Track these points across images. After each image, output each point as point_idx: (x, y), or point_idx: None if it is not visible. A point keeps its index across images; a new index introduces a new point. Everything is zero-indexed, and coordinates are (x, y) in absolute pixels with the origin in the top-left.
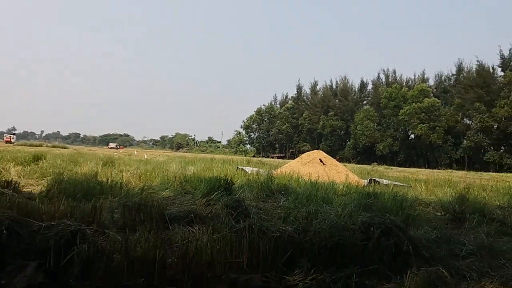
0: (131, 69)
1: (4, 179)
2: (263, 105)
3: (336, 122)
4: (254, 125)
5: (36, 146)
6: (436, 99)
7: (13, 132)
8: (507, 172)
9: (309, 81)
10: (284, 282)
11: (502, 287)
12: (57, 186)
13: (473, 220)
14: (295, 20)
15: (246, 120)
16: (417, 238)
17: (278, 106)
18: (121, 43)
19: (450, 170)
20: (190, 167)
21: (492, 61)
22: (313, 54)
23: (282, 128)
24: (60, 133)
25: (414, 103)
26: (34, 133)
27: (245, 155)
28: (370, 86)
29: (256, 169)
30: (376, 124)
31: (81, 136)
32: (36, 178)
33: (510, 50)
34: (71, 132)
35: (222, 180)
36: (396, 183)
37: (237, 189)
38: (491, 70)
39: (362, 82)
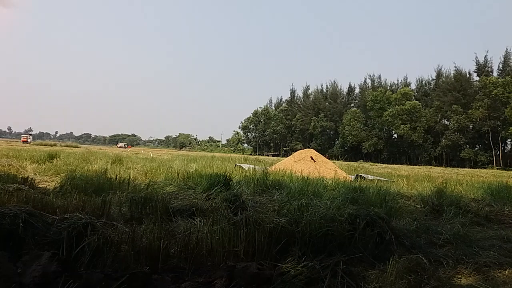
0: (138, 74)
1: (21, 176)
2: (260, 107)
3: (326, 123)
4: (251, 125)
5: (51, 145)
6: (417, 101)
7: (30, 132)
8: (481, 168)
9: (302, 85)
10: (278, 269)
11: (476, 273)
12: (69, 182)
13: (450, 212)
14: (289, 28)
15: (243, 121)
16: (399, 229)
17: (273, 108)
18: (130, 49)
19: (429, 167)
20: (192, 165)
21: (469, 67)
22: (305, 60)
23: (277, 128)
24: (73, 133)
25: (397, 106)
26: (49, 134)
27: (243, 154)
28: (357, 90)
29: (253, 166)
30: (362, 125)
31: (92, 136)
32: (51, 175)
33: (485, 57)
34: (83, 133)
35: (221, 176)
36: (380, 178)
37: (235, 184)
38: (468, 75)
39: (350, 86)
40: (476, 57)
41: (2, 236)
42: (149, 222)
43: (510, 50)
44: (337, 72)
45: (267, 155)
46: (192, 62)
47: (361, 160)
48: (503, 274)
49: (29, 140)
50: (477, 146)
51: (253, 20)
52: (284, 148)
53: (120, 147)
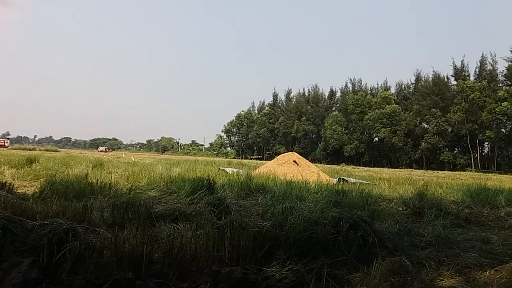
0: (119, 77)
1: None
2: (243, 111)
3: (308, 127)
4: (234, 129)
5: (30, 149)
6: (397, 105)
7: (7, 136)
8: (460, 171)
9: (284, 89)
10: (263, 273)
11: (458, 274)
12: (49, 187)
13: (431, 214)
14: (270, 32)
15: (227, 125)
16: (382, 231)
17: (256, 112)
18: (110, 51)
19: (410, 170)
20: (175, 169)
21: (447, 71)
22: (287, 64)
23: (260, 132)
24: (53, 137)
25: (377, 109)
26: (28, 138)
27: (226, 157)
28: (338, 94)
29: (236, 169)
30: (344, 128)
31: (72, 140)
32: (30, 180)
33: (462, 61)
34: (62, 137)
35: (205, 180)
36: (362, 181)
37: (219, 188)
38: (446, 79)
39: (331, 90)
40: (453, 62)
41: None
42: (131, 227)
43: (486, 55)
44: (319, 75)
45: (251, 159)
46: (174, 65)
47: (343, 163)
48: (484, 275)
49: (6, 144)
50: (456, 149)
51: (234, 24)
52: (268, 152)
53: (101, 151)
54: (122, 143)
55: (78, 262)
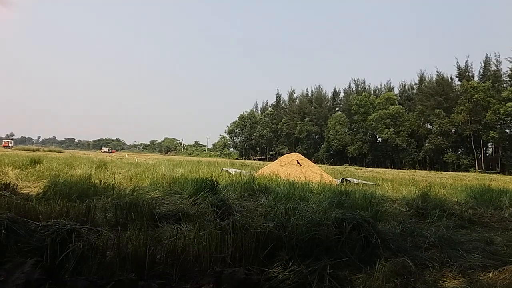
0: (122, 77)
1: (2, 181)
2: (246, 112)
3: (312, 127)
4: (237, 130)
5: (33, 150)
6: (400, 106)
7: (11, 137)
8: (463, 171)
9: (287, 90)
10: (266, 274)
11: (461, 275)
12: (53, 188)
13: (434, 215)
14: (274, 33)
15: (230, 126)
16: (385, 232)
17: (259, 112)
18: (112, 51)
19: (413, 170)
20: (178, 169)
21: (450, 71)
22: (290, 65)
23: (263, 132)
24: (56, 138)
25: (381, 110)
26: (31, 138)
27: (229, 158)
28: (342, 94)
29: (239, 170)
30: (347, 129)
31: (76, 140)
32: (34, 181)
33: (466, 62)
34: (66, 137)
35: (207, 181)
36: (366, 182)
37: (221, 189)
38: (449, 80)
39: (334, 90)
40: (457, 62)
41: None
42: (134, 228)
43: (490, 55)
44: (322, 76)
45: (254, 159)
46: (176, 66)
47: (346, 164)
48: (487, 276)
49: (10, 145)
50: (460, 149)
51: (235, 24)
52: (271, 152)
53: (104, 151)
54: (126, 144)
55: (81, 262)
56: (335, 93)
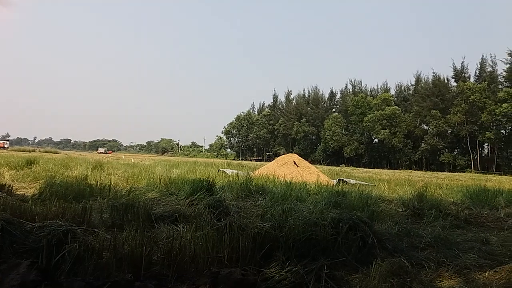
0: (118, 78)
1: None
2: (242, 112)
3: (308, 128)
4: (234, 130)
5: (29, 151)
6: (396, 107)
7: (7, 138)
8: (459, 172)
9: (284, 90)
10: (262, 274)
11: (457, 275)
12: (49, 188)
13: (430, 215)
14: (271, 33)
15: (226, 126)
16: (381, 232)
17: (256, 113)
18: (110, 51)
19: (409, 171)
20: (174, 170)
21: (446, 72)
22: (287, 65)
23: (260, 133)
24: (52, 139)
25: (377, 111)
26: (27, 139)
27: (226, 159)
28: (338, 95)
29: (236, 171)
30: (343, 130)
31: (72, 141)
32: (29, 182)
33: (462, 63)
34: (62, 138)
35: (204, 182)
36: (362, 182)
37: (218, 189)
38: (446, 81)
39: (331, 91)
40: (453, 63)
41: None
42: (131, 228)
43: (486, 56)
44: (319, 77)
45: (250, 160)
46: (174, 66)
47: (343, 165)
48: (483, 276)
49: (6, 146)
50: (456, 150)
51: (234, 24)
52: (267, 153)
53: (100, 152)
54: (122, 145)
55: (77, 263)
56: (332, 94)
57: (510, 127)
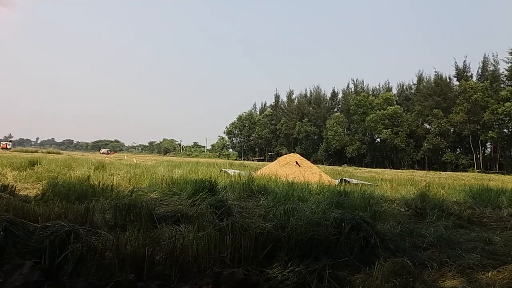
0: (120, 78)
1: (1, 183)
2: (244, 112)
3: (310, 128)
4: (236, 130)
5: (32, 152)
6: (398, 106)
7: (10, 139)
8: (462, 171)
9: (286, 90)
10: (265, 274)
11: (460, 275)
12: (51, 189)
13: (433, 215)
14: (272, 33)
15: (228, 126)
16: (384, 232)
17: (258, 113)
18: (111, 51)
19: (412, 170)
20: (176, 170)
21: (449, 71)
22: (289, 65)
23: (262, 133)
24: (55, 139)
25: (379, 110)
26: (30, 140)
27: (228, 159)
28: (340, 95)
29: (238, 171)
30: (345, 129)
31: (74, 142)
32: (32, 182)
33: (464, 62)
34: (65, 139)
35: (206, 182)
36: (364, 182)
37: (220, 190)
38: (448, 80)
39: (333, 91)
40: (455, 62)
41: None
42: (133, 229)
43: (488, 55)
44: (321, 77)
45: (253, 160)
46: (175, 66)
47: (345, 164)
48: (486, 276)
49: (9, 147)
50: (458, 149)
51: (235, 24)
52: (269, 153)
53: (103, 153)
54: (124, 145)
55: (80, 264)
56: (334, 94)
57: None
